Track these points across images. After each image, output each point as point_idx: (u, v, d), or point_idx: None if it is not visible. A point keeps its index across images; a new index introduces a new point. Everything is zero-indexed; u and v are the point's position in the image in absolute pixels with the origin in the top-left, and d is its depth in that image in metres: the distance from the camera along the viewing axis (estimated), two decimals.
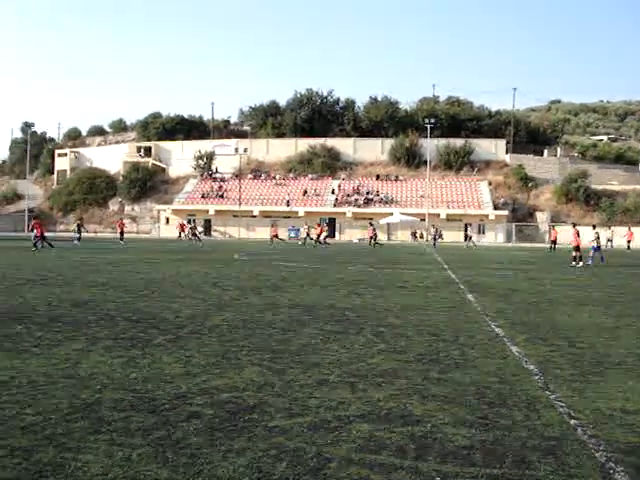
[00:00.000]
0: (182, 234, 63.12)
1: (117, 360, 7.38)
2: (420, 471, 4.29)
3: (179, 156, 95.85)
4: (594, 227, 34.11)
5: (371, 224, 56.66)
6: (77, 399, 5.75)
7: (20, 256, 29.38)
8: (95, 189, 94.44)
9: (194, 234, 56.41)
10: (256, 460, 4.41)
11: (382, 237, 66.45)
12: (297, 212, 78.50)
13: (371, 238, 52.02)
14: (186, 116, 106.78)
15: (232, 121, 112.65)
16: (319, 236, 53.35)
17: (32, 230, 36.53)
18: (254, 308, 12.11)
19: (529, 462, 4.51)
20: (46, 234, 37.14)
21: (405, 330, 9.95)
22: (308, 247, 48.45)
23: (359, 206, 79.20)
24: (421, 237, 73.09)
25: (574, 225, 32.33)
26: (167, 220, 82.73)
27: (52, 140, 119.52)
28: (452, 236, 68.54)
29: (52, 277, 18.01)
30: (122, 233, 52.03)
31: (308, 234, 55.19)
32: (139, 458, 4.39)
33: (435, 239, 55.73)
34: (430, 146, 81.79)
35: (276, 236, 55.31)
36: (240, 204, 79.95)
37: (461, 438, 4.96)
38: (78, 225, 49.24)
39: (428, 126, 78.32)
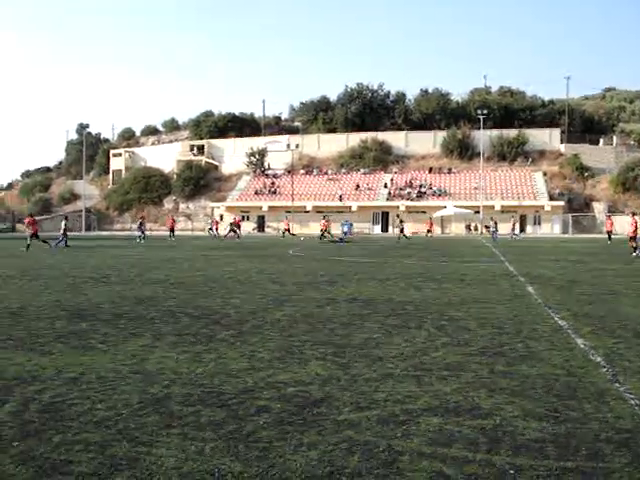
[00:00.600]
0: (214, 231, 62.64)
1: (183, 356, 7.47)
2: (493, 464, 4.25)
3: (231, 153, 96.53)
4: None
5: (325, 217, 56.54)
6: (146, 394, 5.83)
7: (79, 255, 29.90)
8: (150, 188, 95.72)
9: (233, 229, 56.44)
10: (327, 453, 4.41)
11: (437, 230, 65.93)
12: (350, 207, 78.44)
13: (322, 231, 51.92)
14: (237, 114, 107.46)
15: (283, 117, 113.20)
16: (324, 231, 53.06)
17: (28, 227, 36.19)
18: (313, 303, 12.13)
19: (603, 454, 4.43)
20: (39, 233, 36.83)
21: (467, 323, 9.87)
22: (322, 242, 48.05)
23: (412, 199, 78.79)
24: (475, 229, 72.40)
25: (634, 214, 31.64)
26: (221, 217, 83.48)
27: (107, 141, 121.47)
28: (507, 228, 67.76)
29: (113, 275, 18.30)
30: (172, 230, 52.78)
31: (325, 229, 54.87)
32: (212, 452, 4.43)
33: (495, 232, 54.67)
34: (483, 137, 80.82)
35: (325, 231, 55.09)
36: (293, 200, 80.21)
37: (532, 431, 4.89)
38: (140, 223, 49.92)
39: (481, 117, 77.41)
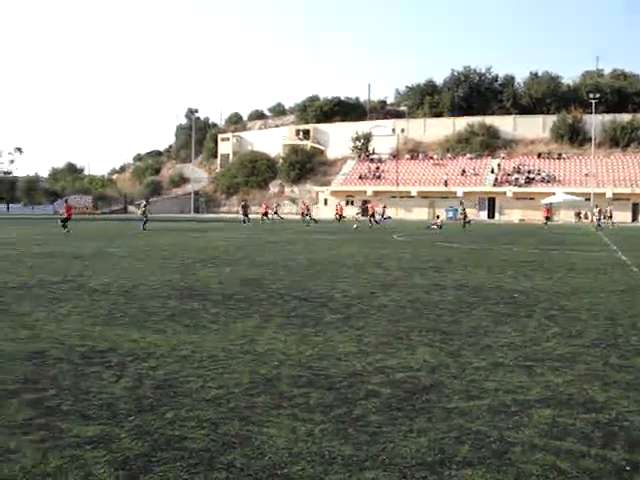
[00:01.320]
0: (267, 216, 59.81)
1: (291, 337, 7.54)
2: (608, 459, 4.10)
3: (337, 138, 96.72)
4: None
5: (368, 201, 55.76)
6: (257, 374, 5.91)
7: (188, 237, 30.66)
8: (256, 172, 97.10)
9: (302, 214, 56.12)
10: (437, 441, 4.36)
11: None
12: (455, 192, 77.41)
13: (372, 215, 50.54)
14: (343, 98, 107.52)
15: (389, 102, 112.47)
16: (373, 215, 52.42)
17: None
18: (420, 289, 12.04)
19: None
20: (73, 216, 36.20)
21: (578, 313, 9.57)
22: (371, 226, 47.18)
23: (520, 186, 77.03)
24: (585, 217, 70.21)
25: None
26: (325, 201, 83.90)
27: (215, 125, 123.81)
28: (620, 217, 65.42)
29: (220, 256, 18.68)
30: (266, 214, 52.99)
31: (374, 213, 54.09)
32: (321, 434, 4.44)
33: (610, 220, 52.43)
34: (595, 122, 78.05)
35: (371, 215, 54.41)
36: (397, 185, 79.79)
37: None
38: (243, 207, 50.64)
39: (592, 101, 74.81)
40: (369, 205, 52.79)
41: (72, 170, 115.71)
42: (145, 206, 40.34)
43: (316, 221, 53.51)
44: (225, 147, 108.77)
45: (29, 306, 9.62)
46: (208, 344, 7.16)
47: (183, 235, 32.26)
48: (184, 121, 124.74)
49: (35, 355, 6.61)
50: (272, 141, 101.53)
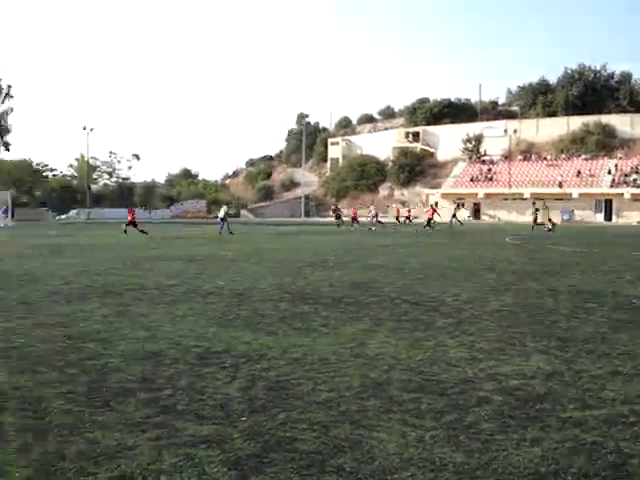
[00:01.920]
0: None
1: (402, 341, 7.49)
2: None
3: (447, 140, 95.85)
4: None
5: (431, 205, 53.98)
6: (367, 378, 5.91)
7: (298, 241, 31.02)
8: (366, 175, 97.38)
9: (399, 218, 54.64)
10: (552, 451, 4.23)
11: None
12: (570, 194, 75.26)
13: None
14: (453, 99, 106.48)
15: (500, 102, 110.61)
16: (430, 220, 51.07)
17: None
18: (533, 293, 11.75)
19: None
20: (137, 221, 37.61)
21: None
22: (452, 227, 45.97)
23: (638, 187, 74.09)
24: None
25: None
26: (436, 204, 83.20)
27: (325, 130, 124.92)
28: None
29: (330, 260, 18.80)
30: (354, 219, 52.63)
31: (454, 215, 52.83)
32: (432, 440, 4.40)
33: None
34: None
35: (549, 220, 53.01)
36: (510, 187, 78.26)
37: None
38: (334, 210, 50.81)
39: None
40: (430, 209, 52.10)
41: (187, 175, 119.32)
42: (226, 210, 41.07)
43: (382, 224, 52.91)
44: (335, 151, 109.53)
45: (146, 308, 9.96)
46: (319, 347, 7.21)
47: (294, 239, 32.67)
48: (295, 126, 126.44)
49: (152, 355, 6.83)
50: (381, 144, 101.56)
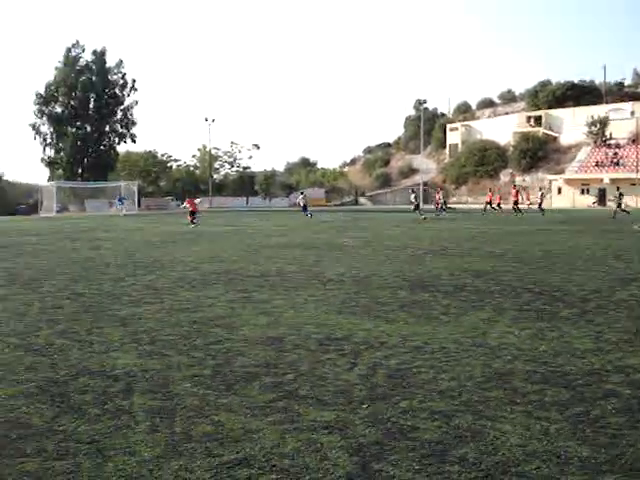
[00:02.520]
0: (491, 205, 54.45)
1: (524, 332, 7.33)
2: None
3: (570, 124, 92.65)
4: None
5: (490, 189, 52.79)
6: (489, 368, 5.82)
7: (416, 228, 30.82)
8: (486, 161, 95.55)
9: (490, 204, 52.76)
10: None
11: None
12: None
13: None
14: (576, 81, 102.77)
15: (626, 83, 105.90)
16: (490, 203, 49.25)
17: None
18: None
19: None
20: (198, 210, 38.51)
21: None
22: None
23: None
24: None
25: None
26: (559, 190, 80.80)
27: (443, 115, 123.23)
28: None
29: (450, 247, 18.60)
30: (490, 203, 51.30)
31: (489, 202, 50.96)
32: (557, 433, 4.29)
33: None
34: None
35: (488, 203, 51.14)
36: (638, 172, 75.04)
37: None
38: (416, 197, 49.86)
39: None
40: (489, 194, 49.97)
41: (305, 164, 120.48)
42: (304, 196, 45.17)
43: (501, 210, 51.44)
44: (454, 137, 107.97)
45: (268, 294, 10.15)
46: (439, 335, 7.16)
47: (412, 226, 32.48)
48: (412, 112, 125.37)
49: (274, 341, 6.96)
50: (502, 129, 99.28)
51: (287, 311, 8.70)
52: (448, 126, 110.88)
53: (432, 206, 45.65)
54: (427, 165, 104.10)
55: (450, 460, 3.87)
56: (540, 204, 47.59)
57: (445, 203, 51.41)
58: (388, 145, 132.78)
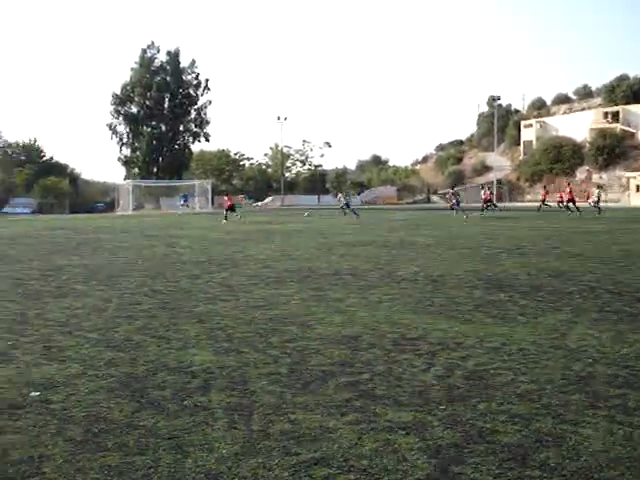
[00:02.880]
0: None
1: (605, 334, 7.14)
2: None
3: None
4: None
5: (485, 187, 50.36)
6: (569, 371, 5.69)
7: (492, 226, 30.38)
8: (561, 158, 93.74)
9: (545, 202, 50.72)
10: None
11: None
12: None
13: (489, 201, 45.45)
14: None
15: None
16: (544, 201, 47.90)
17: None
18: None
19: None
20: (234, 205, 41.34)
21: None
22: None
23: None
24: None
25: None
26: (637, 188, 78.65)
27: (517, 112, 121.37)
28: None
29: (527, 246, 18.28)
30: (544, 201, 50.15)
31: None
32: None
33: None
34: None
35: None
36: None
37: None
38: (453, 194, 48.74)
39: None
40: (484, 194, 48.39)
41: (377, 162, 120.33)
42: (346, 197, 47.04)
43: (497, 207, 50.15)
44: (528, 134, 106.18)
45: (342, 293, 10.15)
46: (517, 337, 7.03)
47: (486, 224, 32.04)
48: (486, 109, 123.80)
49: (349, 339, 6.95)
50: (578, 125, 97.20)
51: (361, 310, 8.68)
52: (522, 123, 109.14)
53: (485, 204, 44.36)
54: (501, 162, 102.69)
55: (531, 465, 3.79)
56: (597, 202, 46.10)
57: (491, 201, 50.06)
58: (461, 142, 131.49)
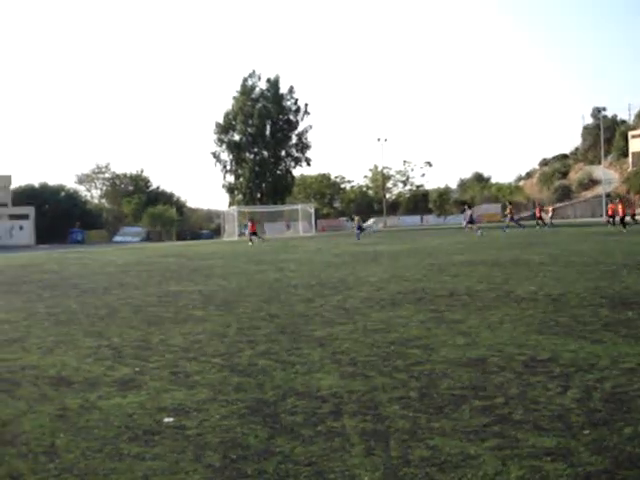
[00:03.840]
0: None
1: None
2: None
3: None
4: None
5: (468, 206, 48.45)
6: None
7: (608, 240, 29.39)
8: None
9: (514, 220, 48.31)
10: None
11: None
12: None
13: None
14: None
15: None
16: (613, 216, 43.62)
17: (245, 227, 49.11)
18: None
19: None
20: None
21: None
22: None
23: None
24: None
25: None
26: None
27: (623, 122, 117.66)
28: None
29: None
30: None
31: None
32: None
33: None
34: None
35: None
36: None
37: None
38: (511, 210, 47.08)
39: None
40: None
41: (479, 179, 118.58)
42: (359, 220, 50.22)
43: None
44: (636, 144, 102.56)
45: (461, 314, 9.95)
46: None
47: (601, 239, 30.99)
48: (590, 121, 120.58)
49: (476, 362, 6.79)
50: None
51: (483, 331, 8.47)
52: (630, 133, 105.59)
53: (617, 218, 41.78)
54: (608, 175, 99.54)
55: None
56: (633, 216, 43.37)
57: (512, 218, 48.26)
58: (565, 156, 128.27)
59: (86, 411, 5.68)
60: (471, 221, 45.05)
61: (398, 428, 4.84)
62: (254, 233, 47.69)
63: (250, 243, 45.06)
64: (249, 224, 50.04)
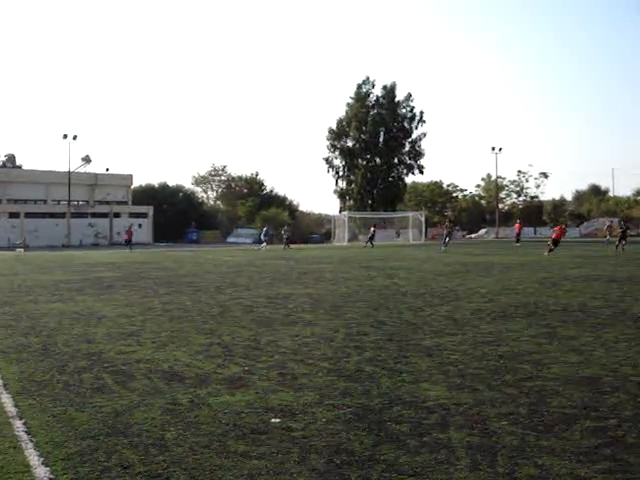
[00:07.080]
0: None
1: None
2: None
3: None
4: None
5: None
6: None
7: None
8: None
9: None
10: None
11: None
12: None
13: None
14: None
15: None
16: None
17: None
18: None
19: None
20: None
21: None
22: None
23: None
24: None
25: None
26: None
27: None
28: None
29: None
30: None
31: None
32: None
33: None
34: None
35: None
36: None
37: None
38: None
39: None
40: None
41: (596, 192, 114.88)
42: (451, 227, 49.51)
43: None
44: None
45: (574, 330, 9.68)
46: None
47: None
48: None
49: (589, 381, 6.59)
50: None
51: (597, 349, 8.22)
52: None
53: None
54: None
55: None
56: None
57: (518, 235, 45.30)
58: None
59: (196, 407, 5.85)
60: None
61: (505, 444, 4.76)
62: (372, 238, 55.05)
63: (369, 245, 53.13)
64: (372, 229, 58.13)
